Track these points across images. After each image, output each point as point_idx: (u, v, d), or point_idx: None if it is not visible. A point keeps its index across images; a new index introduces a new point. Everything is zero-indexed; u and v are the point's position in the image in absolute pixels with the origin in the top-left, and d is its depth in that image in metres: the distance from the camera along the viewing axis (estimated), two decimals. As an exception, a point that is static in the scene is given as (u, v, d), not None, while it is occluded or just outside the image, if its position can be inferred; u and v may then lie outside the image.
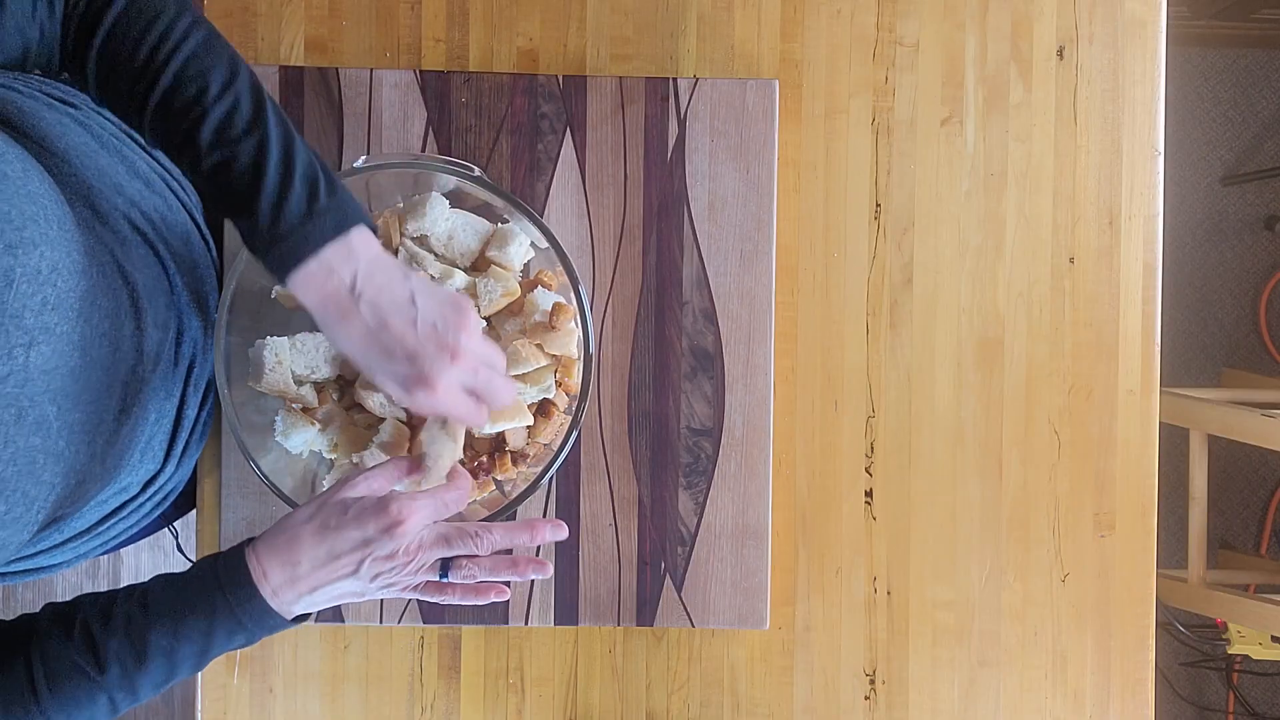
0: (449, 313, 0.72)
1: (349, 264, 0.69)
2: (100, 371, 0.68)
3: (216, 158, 0.68)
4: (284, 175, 0.68)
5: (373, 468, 0.76)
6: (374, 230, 0.73)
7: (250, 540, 0.72)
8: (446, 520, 0.75)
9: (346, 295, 0.69)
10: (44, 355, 0.61)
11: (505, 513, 0.84)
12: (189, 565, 0.73)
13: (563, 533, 0.79)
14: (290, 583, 0.70)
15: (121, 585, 0.78)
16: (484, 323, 0.78)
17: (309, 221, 0.68)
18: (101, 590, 0.72)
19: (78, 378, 0.65)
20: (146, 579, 0.72)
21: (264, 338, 0.84)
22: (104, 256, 0.70)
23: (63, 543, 0.81)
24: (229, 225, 0.92)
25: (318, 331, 0.87)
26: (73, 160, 0.75)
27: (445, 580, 0.76)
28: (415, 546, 0.72)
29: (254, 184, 0.68)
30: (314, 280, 0.69)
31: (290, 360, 0.85)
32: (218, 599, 0.69)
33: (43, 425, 0.62)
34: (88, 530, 0.82)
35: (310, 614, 0.73)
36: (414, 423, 0.88)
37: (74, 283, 0.64)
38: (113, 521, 0.83)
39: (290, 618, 0.71)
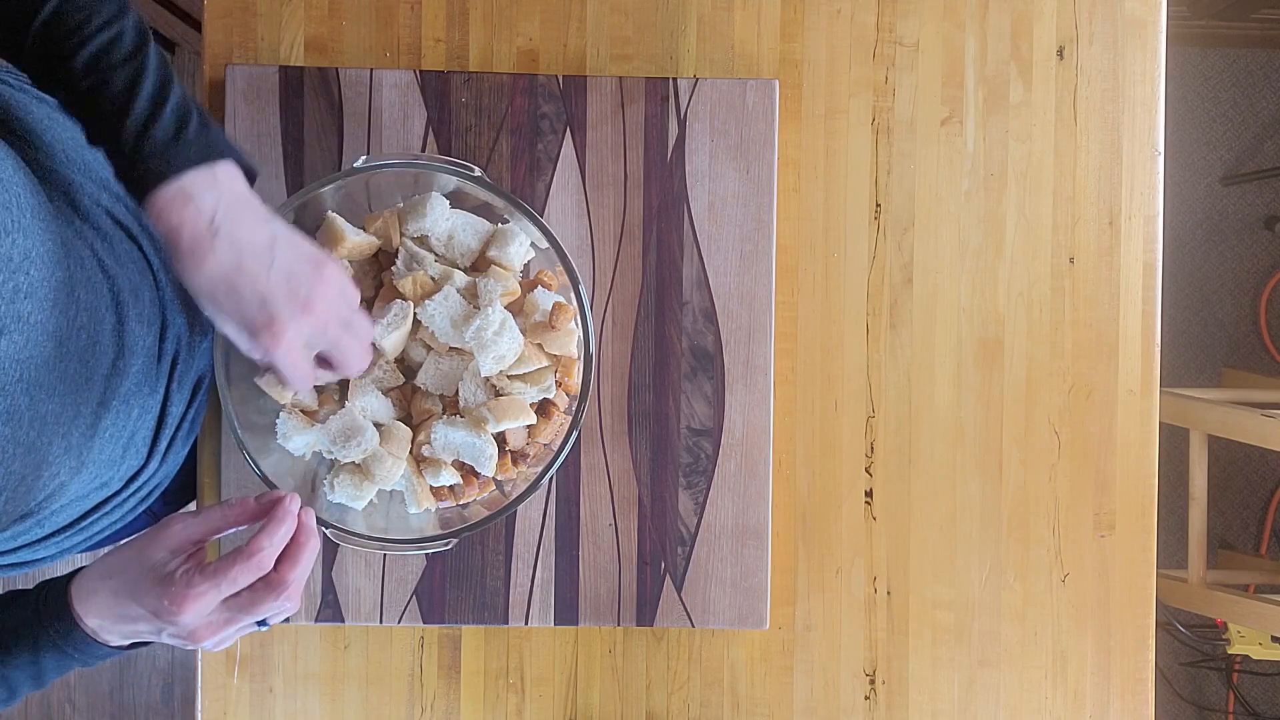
0: (306, 268, 0.71)
1: (211, 194, 0.69)
2: (78, 364, 0.68)
3: (91, 82, 0.68)
4: (155, 104, 0.69)
5: (193, 514, 0.73)
6: (250, 170, 0.73)
7: (76, 573, 0.73)
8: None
9: (204, 227, 0.68)
10: (16, 344, 0.60)
11: (505, 513, 0.84)
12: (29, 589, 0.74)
13: (297, 500, 0.72)
14: (105, 629, 0.71)
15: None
16: (348, 285, 0.76)
17: (173, 147, 0.68)
18: None
19: (53, 369, 0.64)
20: None
21: None
22: (83, 250, 0.70)
23: (44, 538, 0.80)
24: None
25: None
26: (57, 154, 0.75)
27: (264, 627, 0.74)
28: (203, 628, 0.70)
29: (124, 108, 0.68)
30: (173, 205, 0.68)
31: None
32: (41, 634, 0.71)
33: (14, 415, 0.61)
34: (69, 526, 0.81)
35: (147, 641, 0.74)
36: (415, 423, 0.88)
37: (48, 272, 0.63)
38: (95, 517, 0.83)
39: (119, 646, 0.73)
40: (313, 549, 0.72)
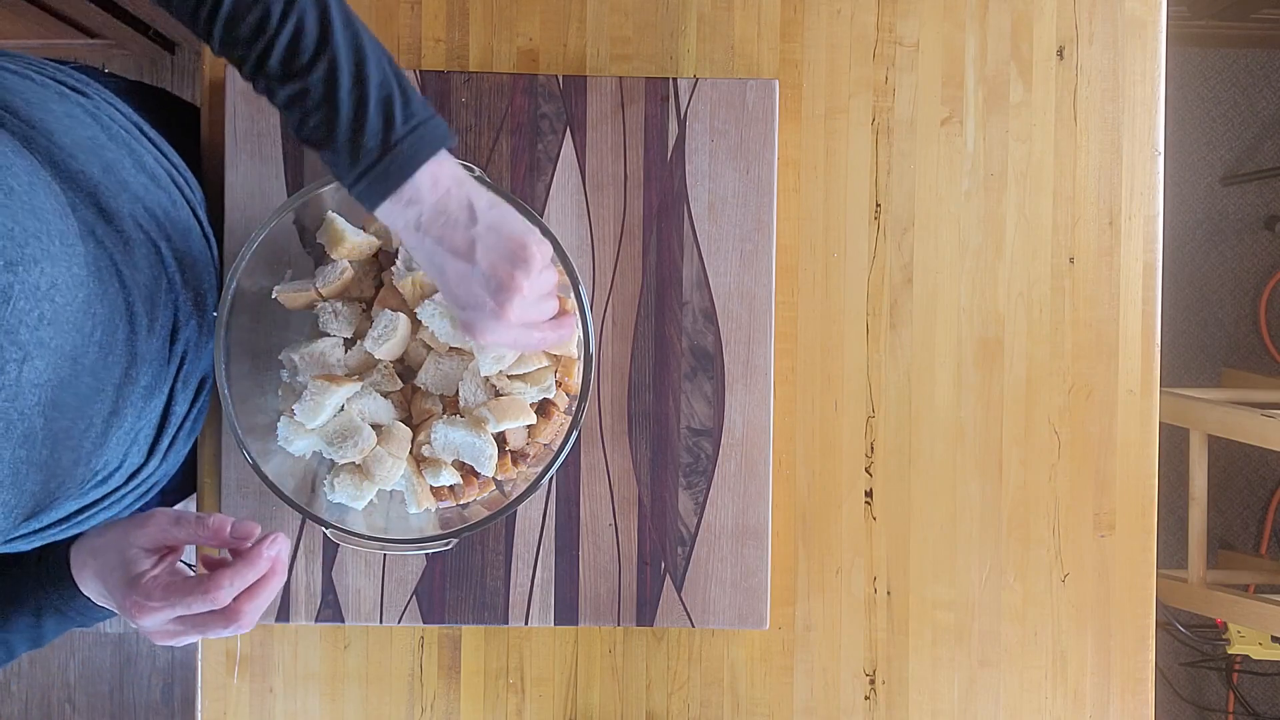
0: (504, 268, 0.73)
1: (414, 208, 0.72)
2: (90, 378, 0.68)
3: (289, 90, 0.69)
4: (357, 106, 0.69)
5: (173, 517, 0.75)
6: (450, 146, 0.74)
7: (76, 539, 0.77)
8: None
9: (414, 233, 0.73)
10: (37, 370, 0.61)
11: (505, 513, 0.84)
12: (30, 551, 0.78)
13: (281, 543, 0.73)
14: (103, 596, 0.76)
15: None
16: (550, 273, 0.77)
17: (382, 161, 0.70)
18: None
19: (67, 388, 0.65)
20: None
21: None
22: (104, 263, 0.70)
23: (40, 529, 0.80)
24: (227, 222, 0.92)
25: (317, 339, 0.87)
26: (79, 155, 0.75)
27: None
28: (158, 633, 0.73)
29: (329, 119, 0.69)
30: (393, 214, 0.72)
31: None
32: (44, 597, 0.76)
33: (30, 438, 0.62)
34: (65, 519, 0.81)
35: None
36: (415, 423, 0.88)
37: (71, 295, 0.63)
38: (92, 511, 0.83)
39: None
40: (275, 587, 0.73)
